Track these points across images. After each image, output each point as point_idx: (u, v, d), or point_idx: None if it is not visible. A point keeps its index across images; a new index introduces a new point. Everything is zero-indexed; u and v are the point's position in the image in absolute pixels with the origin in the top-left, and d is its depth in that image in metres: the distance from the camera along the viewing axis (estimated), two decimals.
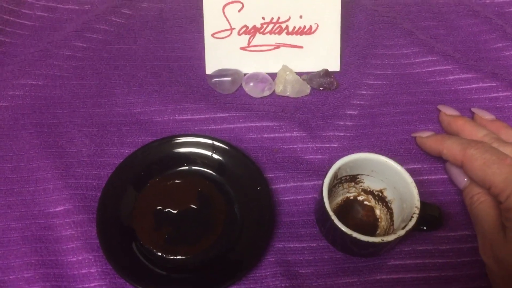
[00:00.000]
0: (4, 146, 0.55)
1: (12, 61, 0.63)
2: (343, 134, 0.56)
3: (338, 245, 0.49)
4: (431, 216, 0.47)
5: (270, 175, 0.54)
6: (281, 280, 0.47)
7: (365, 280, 0.48)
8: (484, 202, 0.47)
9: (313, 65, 0.62)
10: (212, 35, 0.60)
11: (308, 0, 0.58)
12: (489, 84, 0.60)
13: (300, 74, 0.61)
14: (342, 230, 0.43)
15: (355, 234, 0.43)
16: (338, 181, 0.50)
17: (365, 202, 0.52)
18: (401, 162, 0.47)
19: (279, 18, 0.59)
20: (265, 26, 0.60)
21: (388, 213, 0.50)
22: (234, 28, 0.60)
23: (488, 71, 0.61)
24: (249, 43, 0.61)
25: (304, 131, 0.56)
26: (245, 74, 0.61)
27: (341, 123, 0.57)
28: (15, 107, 0.58)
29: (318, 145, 0.56)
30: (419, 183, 0.46)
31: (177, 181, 0.51)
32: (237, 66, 0.61)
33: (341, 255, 0.49)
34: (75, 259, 0.48)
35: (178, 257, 0.46)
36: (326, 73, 0.60)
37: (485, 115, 0.55)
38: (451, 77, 0.61)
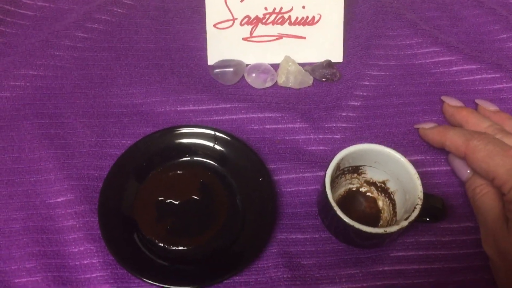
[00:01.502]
0: (5, 136, 0.55)
1: (13, 51, 0.62)
2: (345, 125, 0.56)
3: (340, 236, 0.49)
4: (434, 207, 0.47)
5: (272, 166, 0.53)
6: (283, 271, 0.47)
7: (367, 271, 0.47)
8: (487, 193, 0.47)
9: (316, 56, 0.61)
10: (214, 25, 0.59)
11: None
12: (493, 75, 0.59)
13: (302, 65, 0.60)
14: (344, 221, 0.43)
15: (358, 225, 0.43)
16: (341, 172, 0.50)
17: (368, 194, 0.52)
18: (404, 154, 0.47)
19: (281, 8, 0.59)
20: (267, 16, 0.59)
21: (390, 205, 0.50)
22: (236, 19, 0.59)
23: (492, 62, 0.60)
24: (251, 33, 0.60)
25: (306, 122, 0.56)
26: (247, 65, 0.61)
27: (344, 114, 0.57)
28: (16, 97, 0.58)
29: (321, 136, 0.55)
30: (422, 175, 0.46)
31: (179, 172, 0.51)
32: (239, 57, 0.61)
33: (344, 246, 0.49)
34: (76, 249, 0.48)
35: (179, 248, 0.46)
36: (328, 64, 0.60)
37: (489, 106, 0.54)
38: (454, 68, 0.61)
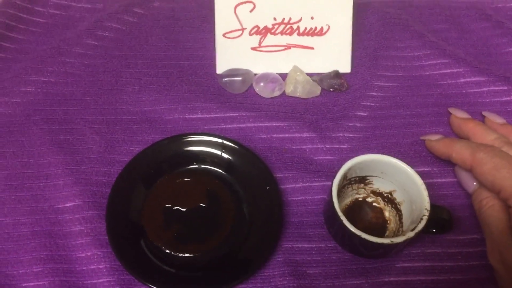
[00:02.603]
0: (15, 141, 0.56)
1: (24, 57, 0.63)
2: (353, 135, 0.56)
3: (346, 246, 0.49)
4: (441, 218, 0.47)
5: (279, 175, 0.54)
6: (288, 280, 0.47)
7: (373, 281, 0.47)
8: (493, 206, 0.46)
9: (324, 66, 0.62)
10: (224, 35, 0.60)
11: (320, 1, 0.58)
12: (500, 88, 0.60)
13: (310, 75, 0.61)
14: (351, 231, 0.43)
15: (364, 235, 0.43)
16: (347, 182, 0.50)
17: (374, 204, 0.52)
18: (410, 165, 0.47)
19: (290, 18, 0.59)
20: (276, 26, 0.60)
21: (397, 215, 0.50)
22: (245, 28, 0.60)
23: (500, 74, 0.60)
24: (260, 43, 0.61)
25: (313, 131, 0.56)
26: (255, 74, 0.61)
27: (351, 124, 0.57)
28: (27, 103, 0.59)
29: (328, 146, 0.56)
30: (428, 186, 0.46)
31: (186, 179, 0.51)
32: (247, 66, 0.61)
33: (349, 256, 0.49)
34: (84, 254, 0.48)
35: (186, 255, 0.47)
36: (336, 74, 0.60)
37: (496, 119, 0.54)
38: (462, 80, 0.61)
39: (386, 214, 0.51)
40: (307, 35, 0.60)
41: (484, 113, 0.56)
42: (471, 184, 0.50)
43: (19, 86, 0.60)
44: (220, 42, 0.60)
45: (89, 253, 0.48)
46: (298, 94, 0.59)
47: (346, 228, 0.44)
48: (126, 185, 0.51)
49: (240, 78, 0.60)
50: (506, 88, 0.60)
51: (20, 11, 0.68)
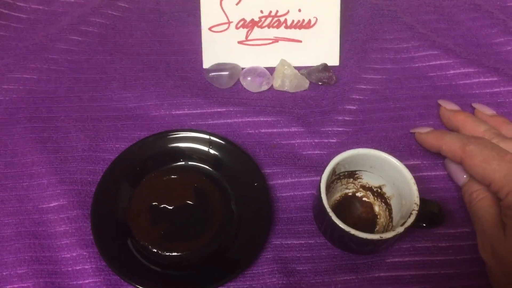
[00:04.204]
0: None
1: (6, 54, 0.62)
2: (342, 129, 0.56)
3: (336, 242, 0.48)
4: (431, 212, 0.46)
5: (267, 171, 0.53)
6: (278, 277, 0.47)
7: (363, 277, 0.47)
8: (483, 199, 0.46)
9: (312, 60, 0.61)
10: (210, 28, 0.59)
11: None
12: (490, 79, 0.59)
13: (298, 68, 0.60)
14: (340, 227, 0.43)
15: (353, 231, 0.42)
16: (337, 177, 0.49)
17: (364, 199, 0.51)
18: (400, 158, 0.47)
19: (277, 11, 0.59)
20: (263, 19, 0.59)
21: (387, 210, 0.49)
22: (231, 22, 0.59)
23: (489, 65, 0.60)
24: (247, 37, 0.60)
25: (302, 126, 0.56)
26: (242, 69, 0.60)
27: (340, 118, 0.56)
28: (9, 101, 0.57)
29: (317, 141, 0.55)
30: (418, 180, 0.46)
31: (173, 176, 0.50)
32: (234, 60, 0.60)
33: (339, 252, 0.48)
34: (69, 255, 0.48)
35: (173, 254, 0.46)
36: (325, 67, 0.60)
37: (486, 110, 0.54)
38: (451, 72, 0.60)
39: (376, 208, 0.51)
40: (295, 28, 0.60)
41: (474, 104, 0.56)
42: (461, 177, 0.49)
43: (1, 83, 0.58)
44: (206, 36, 0.59)
45: (74, 254, 0.48)
46: (286, 88, 0.59)
47: (335, 224, 0.43)
48: (111, 184, 0.50)
49: (227, 73, 0.59)
50: (495, 79, 0.59)
51: (1, 7, 0.66)
